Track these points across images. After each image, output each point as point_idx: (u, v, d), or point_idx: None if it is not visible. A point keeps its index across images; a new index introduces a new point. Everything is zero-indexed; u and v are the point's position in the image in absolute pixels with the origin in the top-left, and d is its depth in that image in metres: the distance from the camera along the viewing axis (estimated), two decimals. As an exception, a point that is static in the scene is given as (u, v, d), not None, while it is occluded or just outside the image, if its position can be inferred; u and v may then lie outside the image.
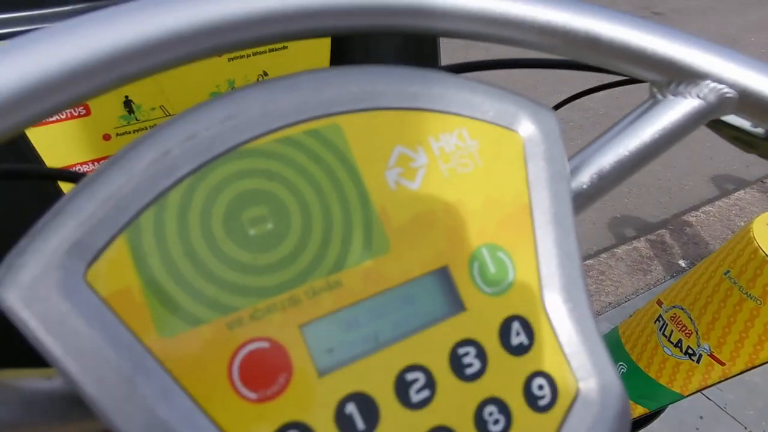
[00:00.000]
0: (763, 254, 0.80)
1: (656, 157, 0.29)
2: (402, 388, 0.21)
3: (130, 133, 0.52)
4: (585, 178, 0.28)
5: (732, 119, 0.35)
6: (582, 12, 0.24)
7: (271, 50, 0.55)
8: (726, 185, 2.45)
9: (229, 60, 0.53)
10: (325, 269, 0.21)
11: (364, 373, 0.20)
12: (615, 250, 1.97)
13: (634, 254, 1.95)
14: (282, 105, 0.21)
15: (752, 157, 0.50)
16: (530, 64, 0.46)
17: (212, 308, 0.19)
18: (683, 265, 1.94)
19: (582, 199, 0.28)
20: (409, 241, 0.22)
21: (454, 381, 0.21)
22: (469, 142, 0.24)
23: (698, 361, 0.91)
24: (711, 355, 0.89)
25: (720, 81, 0.27)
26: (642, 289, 1.84)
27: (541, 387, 0.22)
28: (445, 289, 0.22)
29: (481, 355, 0.22)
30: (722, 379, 0.91)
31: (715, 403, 1.50)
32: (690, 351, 0.92)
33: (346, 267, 0.21)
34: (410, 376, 0.21)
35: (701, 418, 1.48)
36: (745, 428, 1.45)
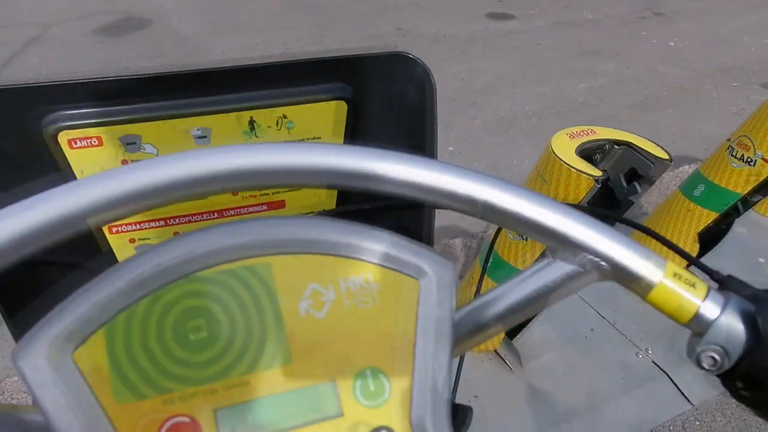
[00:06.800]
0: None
1: (543, 308, 0.34)
2: None
3: None
4: (483, 317, 0.33)
5: None
6: (484, 184, 0.30)
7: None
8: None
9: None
10: (239, 371, 0.28)
11: None
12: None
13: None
14: (227, 246, 0.29)
15: None
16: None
17: (154, 388, 0.27)
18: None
19: (480, 336, 0.34)
20: (308, 358, 0.29)
21: None
22: (373, 285, 0.30)
23: (754, 165, 1.56)
24: (763, 159, 1.54)
25: (595, 254, 0.31)
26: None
27: None
28: (330, 398, 0.29)
29: None
30: (768, 175, 1.55)
31: (606, 319, 1.86)
32: (748, 159, 1.57)
33: (255, 371, 0.28)
34: None
35: (592, 330, 1.81)
36: (627, 338, 1.79)
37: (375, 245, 0.30)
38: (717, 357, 0.30)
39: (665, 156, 1.14)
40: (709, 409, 1.58)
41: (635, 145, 1.19)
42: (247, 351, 0.28)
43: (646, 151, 1.17)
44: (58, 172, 0.55)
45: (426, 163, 0.29)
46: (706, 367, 0.31)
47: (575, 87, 3.55)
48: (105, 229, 0.60)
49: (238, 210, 0.65)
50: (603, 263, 0.31)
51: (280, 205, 0.66)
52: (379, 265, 0.30)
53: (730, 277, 0.34)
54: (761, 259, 2.15)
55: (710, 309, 0.30)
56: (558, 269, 0.32)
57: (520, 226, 0.30)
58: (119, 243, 0.63)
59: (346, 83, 0.59)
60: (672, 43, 4.27)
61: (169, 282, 0.28)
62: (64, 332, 0.26)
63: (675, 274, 0.31)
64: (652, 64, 3.89)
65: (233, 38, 4.07)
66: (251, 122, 0.59)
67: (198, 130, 0.57)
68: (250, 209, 0.66)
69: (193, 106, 0.56)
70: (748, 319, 0.30)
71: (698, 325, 0.31)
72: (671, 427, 1.53)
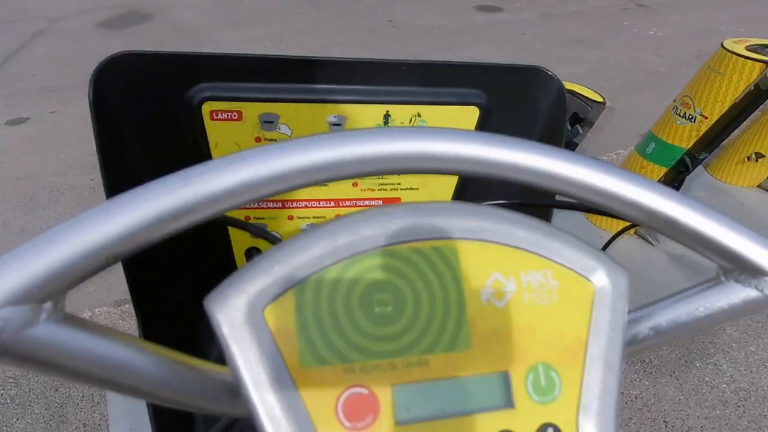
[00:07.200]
0: (724, 49, 1.65)
1: (711, 329, 0.30)
2: None
3: None
4: (643, 329, 0.33)
5: None
6: (669, 198, 0.29)
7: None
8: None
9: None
10: (419, 350, 0.28)
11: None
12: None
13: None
14: (419, 225, 0.29)
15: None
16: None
17: (336, 355, 0.27)
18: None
19: (637, 347, 0.33)
20: (486, 346, 0.29)
21: None
22: (551, 281, 0.30)
23: (694, 121, 1.74)
24: (701, 115, 1.73)
25: None
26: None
27: None
28: (503, 388, 0.29)
29: None
30: (708, 128, 1.73)
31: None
32: (689, 116, 1.75)
33: (435, 352, 0.28)
34: None
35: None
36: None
37: (557, 243, 0.31)
38: None
39: (600, 99, 1.33)
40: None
41: (575, 91, 1.37)
42: (429, 331, 0.28)
43: (584, 96, 1.35)
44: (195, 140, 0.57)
45: (619, 173, 0.29)
46: None
47: (560, 72, 3.66)
48: None
49: (354, 201, 0.67)
50: None
51: (396, 201, 0.67)
52: (559, 263, 0.31)
53: None
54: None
55: None
56: (731, 291, 0.31)
57: (700, 244, 0.30)
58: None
59: (481, 90, 0.62)
60: (651, 33, 4.45)
61: (362, 252, 0.28)
62: (257, 287, 0.26)
63: None
64: (632, 52, 4.07)
65: (233, 31, 4.26)
66: (386, 116, 0.60)
67: (334, 117, 0.60)
68: (366, 202, 0.68)
69: (333, 93, 0.58)
70: None
71: None
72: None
